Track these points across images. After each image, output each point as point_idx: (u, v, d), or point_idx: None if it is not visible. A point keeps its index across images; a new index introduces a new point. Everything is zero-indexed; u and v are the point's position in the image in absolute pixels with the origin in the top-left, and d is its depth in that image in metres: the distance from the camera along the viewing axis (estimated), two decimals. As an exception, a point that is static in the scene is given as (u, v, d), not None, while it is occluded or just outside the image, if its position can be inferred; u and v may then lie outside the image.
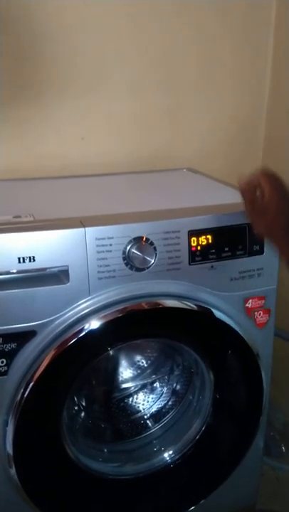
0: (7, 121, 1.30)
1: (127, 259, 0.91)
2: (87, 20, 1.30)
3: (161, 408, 1.20)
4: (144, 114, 1.43)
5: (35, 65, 1.29)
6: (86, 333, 0.90)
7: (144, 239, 0.92)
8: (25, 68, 1.28)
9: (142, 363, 1.23)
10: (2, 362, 0.89)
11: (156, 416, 1.20)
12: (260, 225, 0.93)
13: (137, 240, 0.91)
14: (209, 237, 0.96)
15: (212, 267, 0.98)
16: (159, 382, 1.22)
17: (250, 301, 1.04)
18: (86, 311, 0.91)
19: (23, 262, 0.86)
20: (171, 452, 1.13)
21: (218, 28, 1.43)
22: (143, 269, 0.93)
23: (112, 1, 1.30)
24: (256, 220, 0.94)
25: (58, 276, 0.88)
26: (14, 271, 0.86)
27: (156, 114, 1.45)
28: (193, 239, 0.95)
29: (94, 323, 0.90)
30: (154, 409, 1.21)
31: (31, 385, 0.89)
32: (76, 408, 1.15)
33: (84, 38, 1.31)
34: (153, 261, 0.93)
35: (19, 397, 0.90)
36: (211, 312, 0.98)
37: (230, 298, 1.01)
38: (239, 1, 1.43)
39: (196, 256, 0.96)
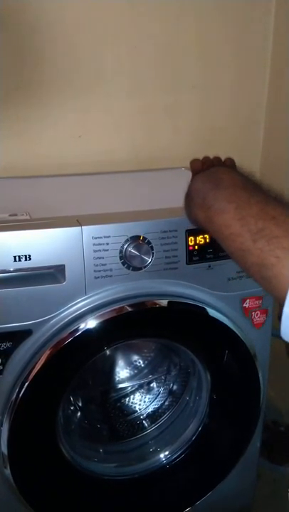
0: (5, 120, 1.30)
1: (124, 258, 0.91)
2: (87, 19, 1.29)
3: (158, 408, 1.20)
4: (143, 112, 1.43)
5: (33, 63, 1.28)
6: (82, 333, 0.89)
7: (141, 238, 0.91)
8: (23, 66, 1.27)
9: (139, 362, 1.23)
10: (-3, 361, 0.88)
11: (153, 416, 1.19)
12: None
13: (134, 239, 0.90)
14: (207, 236, 0.95)
15: (209, 266, 0.97)
16: (156, 383, 1.22)
17: (247, 301, 1.03)
18: (82, 310, 0.90)
19: (19, 260, 0.85)
20: (167, 453, 1.12)
21: (218, 27, 1.43)
22: (140, 269, 0.92)
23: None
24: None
25: (54, 275, 0.88)
26: (10, 269, 0.85)
27: (155, 112, 1.44)
28: (191, 238, 0.94)
29: (90, 323, 0.89)
30: (150, 409, 1.20)
31: (27, 384, 0.88)
32: (72, 408, 1.14)
33: (83, 36, 1.30)
34: (150, 260, 0.92)
35: (14, 396, 0.89)
36: (208, 312, 0.98)
37: (228, 298, 1.01)
38: (239, 0, 1.42)
39: (194, 255, 0.96)
